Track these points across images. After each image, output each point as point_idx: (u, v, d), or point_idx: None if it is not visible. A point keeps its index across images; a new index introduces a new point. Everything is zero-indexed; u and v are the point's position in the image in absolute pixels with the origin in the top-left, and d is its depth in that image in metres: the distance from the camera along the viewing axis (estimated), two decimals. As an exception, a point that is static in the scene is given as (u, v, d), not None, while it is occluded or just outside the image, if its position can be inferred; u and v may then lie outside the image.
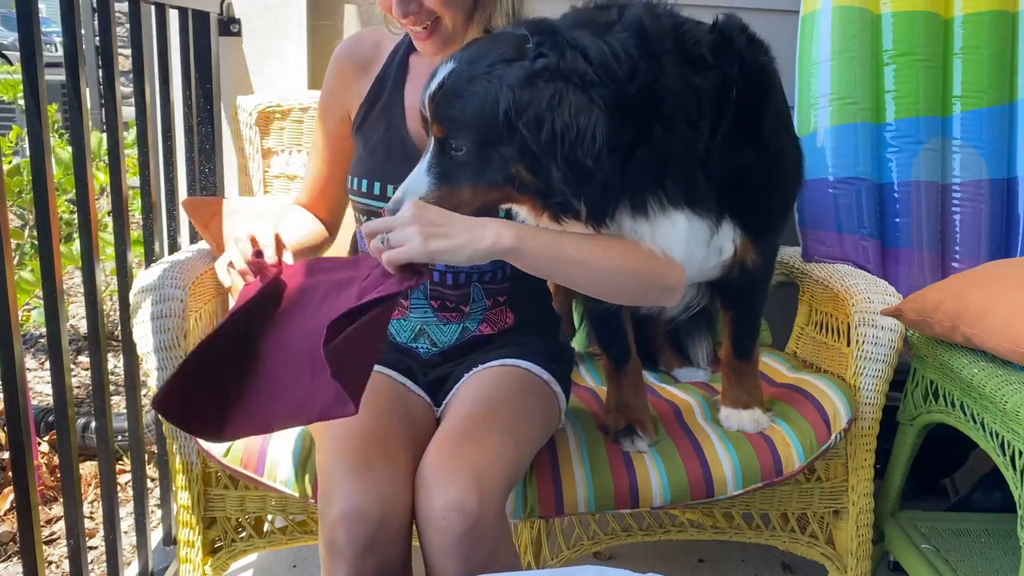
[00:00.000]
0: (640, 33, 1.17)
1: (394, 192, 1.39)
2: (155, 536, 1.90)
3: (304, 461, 1.41)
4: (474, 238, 1.14)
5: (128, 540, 1.75)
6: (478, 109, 1.12)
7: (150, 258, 1.76)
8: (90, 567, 1.71)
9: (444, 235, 1.12)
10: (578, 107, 1.09)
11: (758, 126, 1.31)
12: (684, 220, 1.24)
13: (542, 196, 1.18)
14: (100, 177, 2.42)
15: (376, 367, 1.43)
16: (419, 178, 1.17)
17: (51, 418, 2.30)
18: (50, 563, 1.91)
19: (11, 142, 2.78)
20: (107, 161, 1.57)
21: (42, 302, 1.39)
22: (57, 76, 1.62)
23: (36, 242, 1.61)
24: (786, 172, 1.43)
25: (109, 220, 2.14)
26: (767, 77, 1.33)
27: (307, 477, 1.40)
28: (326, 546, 1.15)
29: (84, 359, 2.87)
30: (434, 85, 1.16)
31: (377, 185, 1.42)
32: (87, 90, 1.45)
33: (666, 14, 1.24)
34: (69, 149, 2.45)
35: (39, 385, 2.73)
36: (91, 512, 2.09)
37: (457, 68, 1.15)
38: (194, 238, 1.96)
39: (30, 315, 2.64)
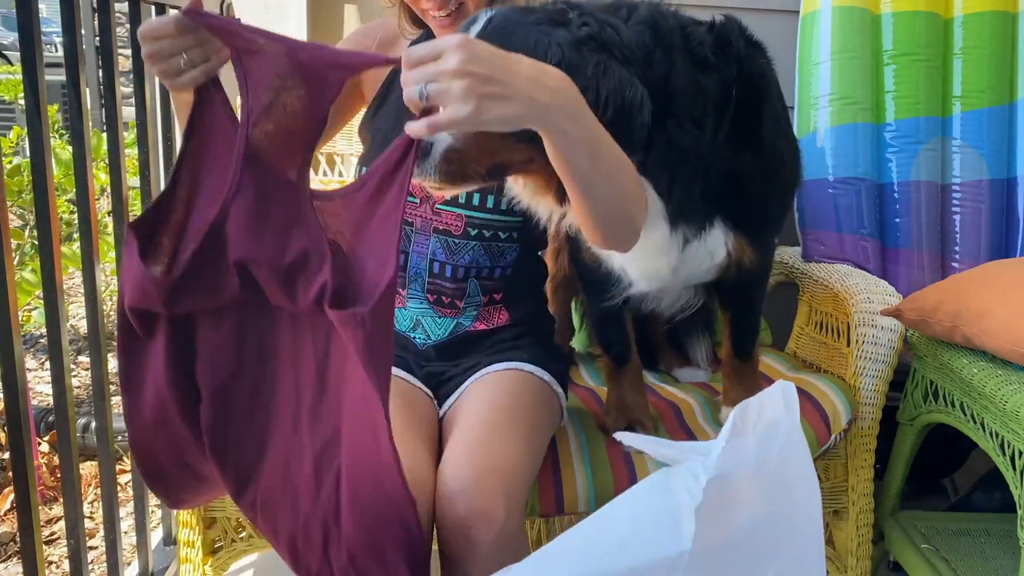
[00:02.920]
0: (653, 27, 1.19)
1: None
2: (155, 536, 1.90)
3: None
4: (534, 100, 0.92)
5: (128, 540, 1.75)
6: (530, 54, 1.01)
7: (150, 258, 1.75)
8: (90, 567, 1.71)
9: (502, 96, 0.89)
10: (622, 80, 1.09)
11: (756, 129, 1.31)
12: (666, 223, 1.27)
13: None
14: (100, 177, 2.42)
15: None
16: None
17: (51, 418, 2.30)
18: (50, 563, 1.91)
19: (11, 142, 2.78)
20: (107, 161, 1.57)
21: (42, 302, 1.39)
22: (57, 76, 1.62)
23: (36, 242, 1.61)
24: (783, 174, 1.43)
25: (109, 220, 2.14)
26: (765, 80, 1.33)
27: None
28: None
29: (84, 359, 2.87)
30: (477, 27, 1.10)
31: None
32: (87, 90, 1.45)
33: (671, 15, 1.25)
34: (69, 149, 2.45)
35: (39, 385, 2.73)
36: (91, 512, 2.09)
37: (498, 16, 1.11)
38: (194, 238, 1.96)
39: (30, 315, 2.64)
